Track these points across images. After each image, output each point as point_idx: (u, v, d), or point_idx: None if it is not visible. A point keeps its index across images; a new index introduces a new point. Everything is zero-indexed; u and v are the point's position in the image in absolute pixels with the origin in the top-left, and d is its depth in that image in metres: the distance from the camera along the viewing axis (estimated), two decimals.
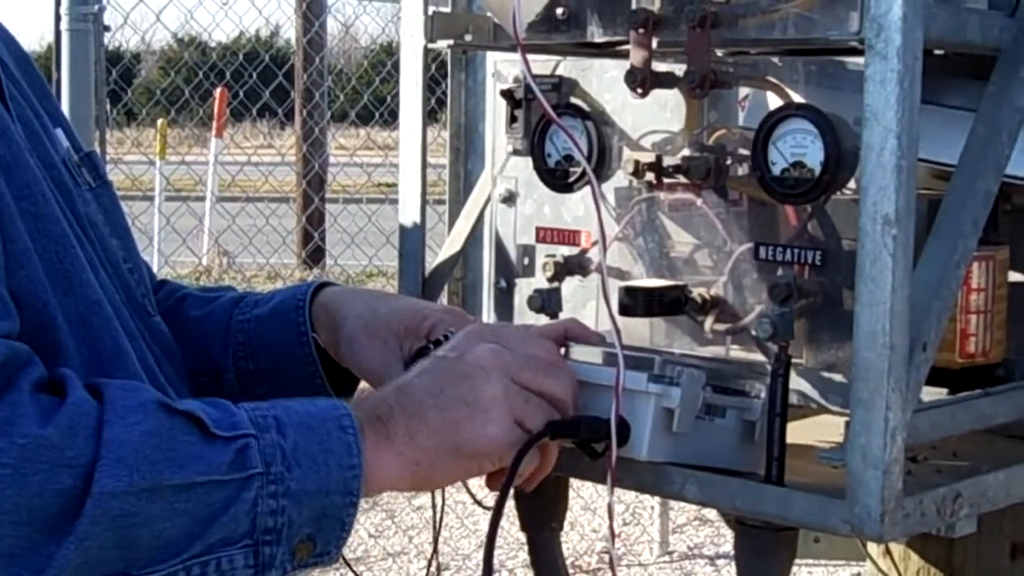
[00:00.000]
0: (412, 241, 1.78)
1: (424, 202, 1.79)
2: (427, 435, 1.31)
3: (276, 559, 1.21)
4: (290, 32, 12.47)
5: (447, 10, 1.84)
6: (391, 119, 7.23)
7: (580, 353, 1.60)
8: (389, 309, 1.58)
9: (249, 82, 6.64)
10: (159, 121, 9.47)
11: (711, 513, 5.93)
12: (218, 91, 9.51)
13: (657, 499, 5.62)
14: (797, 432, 1.58)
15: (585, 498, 5.81)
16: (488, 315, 1.85)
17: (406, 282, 1.77)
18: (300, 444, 1.21)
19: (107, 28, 4.02)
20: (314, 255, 9.30)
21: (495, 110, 1.89)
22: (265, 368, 1.62)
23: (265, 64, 6.87)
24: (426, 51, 1.75)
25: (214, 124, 9.99)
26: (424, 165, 1.79)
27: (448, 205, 2.04)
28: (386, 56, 9.65)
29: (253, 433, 1.20)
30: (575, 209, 1.75)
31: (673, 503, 5.81)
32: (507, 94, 1.74)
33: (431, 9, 1.74)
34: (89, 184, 1.49)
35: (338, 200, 9.76)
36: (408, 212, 1.81)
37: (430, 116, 1.85)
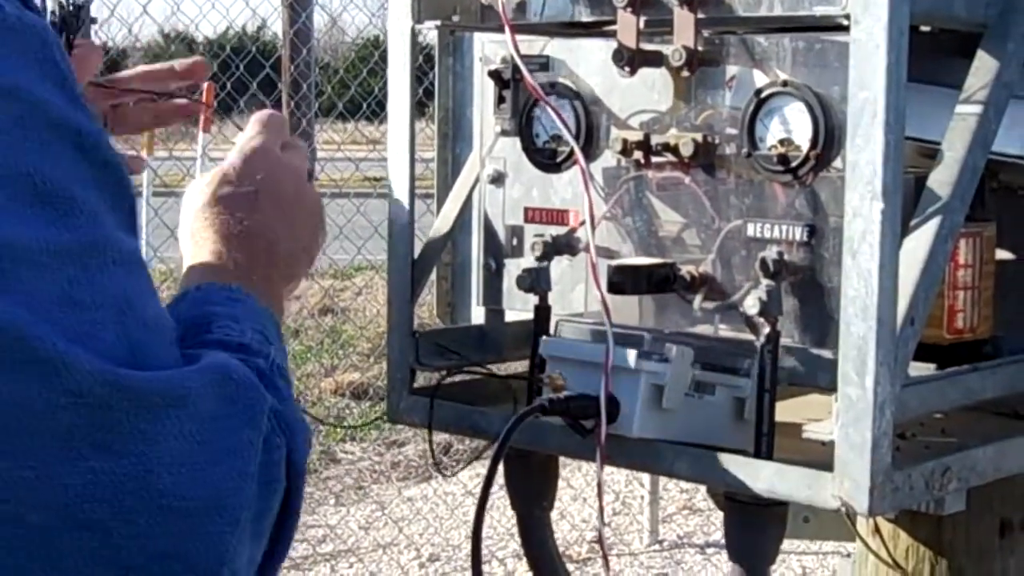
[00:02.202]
0: (401, 220, 1.78)
1: (413, 181, 1.78)
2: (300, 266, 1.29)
3: None
4: (277, 25, 12.46)
5: None
6: (379, 110, 7.22)
7: (569, 331, 1.61)
8: None
9: (236, 74, 6.63)
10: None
11: (701, 502, 5.94)
12: (205, 86, 9.48)
13: (647, 488, 5.62)
14: (786, 411, 1.58)
15: (576, 488, 5.81)
16: (477, 296, 1.85)
17: (396, 262, 1.76)
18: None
19: (94, 20, 4.01)
20: None
21: (483, 94, 1.89)
22: None
23: (252, 57, 6.85)
24: (414, 32, 1.74)
25: (201, 118, 9.97)
26: (413, 147, 1.79)
27: (436, 189, 2.03)
28: (373, 49, 9.64)
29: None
30: (563, 189, 1.76)
31: (663, 492, 5.81)
32: (495, 74, 1.74)
33: None
34: None
35: (326, 193, 9.74)
36: (397, 192, 1.80)
37: (418, 109, 1.85)
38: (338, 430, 6.64)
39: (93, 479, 0.91)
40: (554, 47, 1.76)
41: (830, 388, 1.47)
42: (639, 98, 1.68)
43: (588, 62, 1.74)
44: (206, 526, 0.94)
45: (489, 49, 1.86)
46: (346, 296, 8.80)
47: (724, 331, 1.62)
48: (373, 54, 8.25)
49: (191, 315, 1.14)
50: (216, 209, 1.25)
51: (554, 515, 1.81)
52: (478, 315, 1.94)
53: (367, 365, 7.13)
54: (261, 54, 7.24)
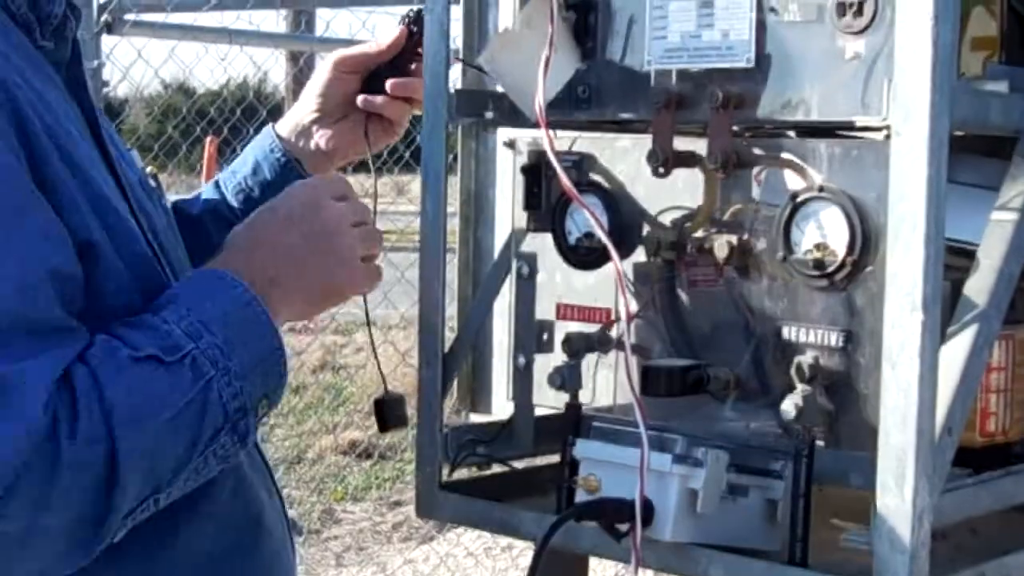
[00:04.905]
0: (431, 318, 1.75)
1: (444, 286, 1.75)
2: (312, 291, 1.58)
3: (249, 426, 1.46)
4: (279, 75, 12.49)
5: (461, 86, 1.84)
6: (380, 167, 7.24)
7: (602, 431, 1.60)
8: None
9: (240, 128, 6.64)
10: (147, 168, 9.39)
11: None
12: (208, 139, 9.50)
13: None
14: (818, 502, 1.57)
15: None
16: (507, 392, 1.84)
17: (426, 356, 1.74)
18: (229, 336, 1.44)
19: (106, 84, 4.02)
20: None
21: (505, 177, 1.90)
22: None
23: (253, 108, 6.86)
24: (447, 130, 1.74)
25: (204, 170, 9.99)
26: (444, 252, 1.75)
27: (458, 273, 2.02)
28: None
29: (193, 346, 1.42)
30: (595, 286, 1.75)
31: None
32: (528, 170, 1.74)
33: (452, 86, 1.73)
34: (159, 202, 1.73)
35: None
36: (427, 290, 1.77)
37: None
38: (338, 488, 6.62)
39: None
40: (584, 142, 1.76)
41: (863, 489, 1.47)
42: (670, 194, 1.68)
43: (613, 152, 1.74)
44: None
45: (515, 134, 1.85)
46: (347, 353, 8.78)
47: (754, 425, 1.62)
48: None
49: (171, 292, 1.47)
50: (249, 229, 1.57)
51: None
52: (499, 402, 1.93)
53: (369, 423, 7.09)
54: (263, 105, 7.25)
